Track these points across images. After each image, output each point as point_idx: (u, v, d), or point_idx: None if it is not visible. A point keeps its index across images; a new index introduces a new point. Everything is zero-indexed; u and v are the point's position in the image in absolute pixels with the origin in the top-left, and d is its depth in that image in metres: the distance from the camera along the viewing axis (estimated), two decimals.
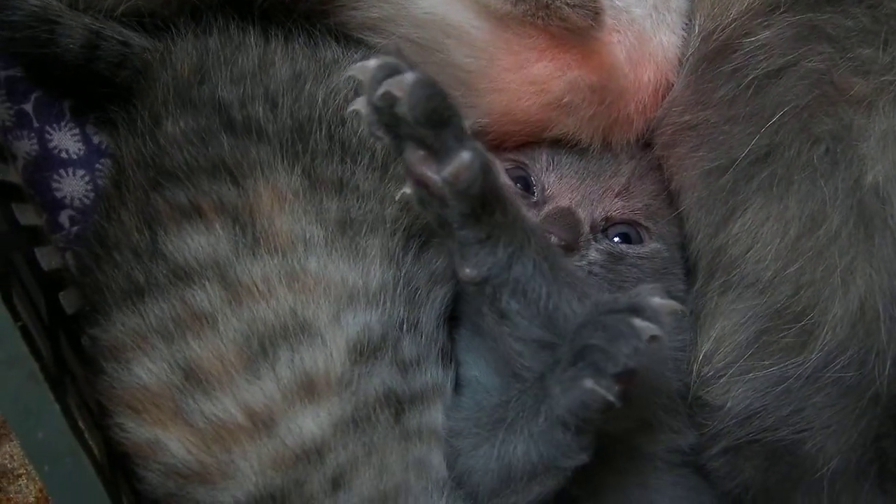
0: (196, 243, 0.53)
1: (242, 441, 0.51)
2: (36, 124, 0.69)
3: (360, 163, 0.57)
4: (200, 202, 0.54)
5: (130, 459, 0.53)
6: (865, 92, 0.54)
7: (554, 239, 0.58)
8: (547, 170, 0.62)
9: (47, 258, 0.65)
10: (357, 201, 0.56)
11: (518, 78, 0.59)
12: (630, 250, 0.61)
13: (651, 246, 0.62)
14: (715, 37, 0.59)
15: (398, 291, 0.55)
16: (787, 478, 0.56)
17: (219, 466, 0.50)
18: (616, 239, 0.62)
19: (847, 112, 0.55)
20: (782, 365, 0.55)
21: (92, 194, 0.69)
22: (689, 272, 0.63)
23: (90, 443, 0.50)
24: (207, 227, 0.54)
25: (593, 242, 0.61)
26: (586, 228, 0.60)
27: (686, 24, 0.62)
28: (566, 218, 0.60)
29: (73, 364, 0.58)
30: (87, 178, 0.69)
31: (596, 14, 0.55)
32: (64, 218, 0.69)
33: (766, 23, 0.57)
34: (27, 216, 0.67)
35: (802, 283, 0.55)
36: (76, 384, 0.56)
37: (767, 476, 0.57)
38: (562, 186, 0.62)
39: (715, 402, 0.58)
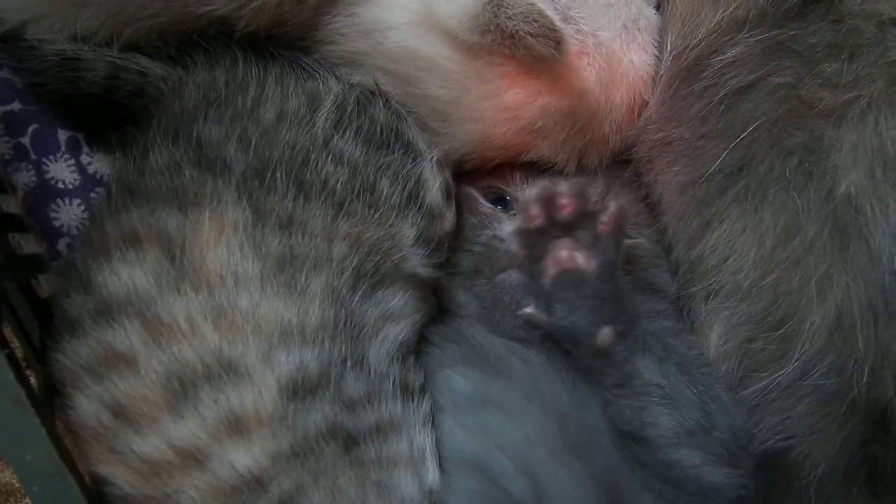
0: (122, 276, 0.53)
1: (177, 476, 0.51)
2: (33, 156, 0.70)
3: (315, 200, 0.56)
4: (140, 230, 0.54)
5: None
6: (834, 105, 0.55)
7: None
8: (521, 187, 0.63)
9: (48, 285, 0.67)
10: (303, 238, 0.55)
11: (491, 106, 0.61)
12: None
13: (637, 240, 0.62)
14: (685, 55, 0.60)
15: (340, 329, 0.54)
16: (776, 485, 0.57)
17: (162, 499, 0.51)
18: None
19: (818, 124, 0.56)
20: (766, 373, 0.56)
21: (87, 223, 0.71)
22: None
23: (77, 464, 0.51)
24: (137, 258, 0.53)
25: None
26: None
27: (657, 42, 0.63)
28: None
29: None
30: (82, 207, 0.70)
31: (557, 43, 0.56)
32: (62, 245, 0.70)
33: (733, 40, 0.58)
34: (28, 245, 0.69)
35: (780, 292, 0.56)
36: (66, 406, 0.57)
37: (760, 484, 0.57)
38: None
39: None
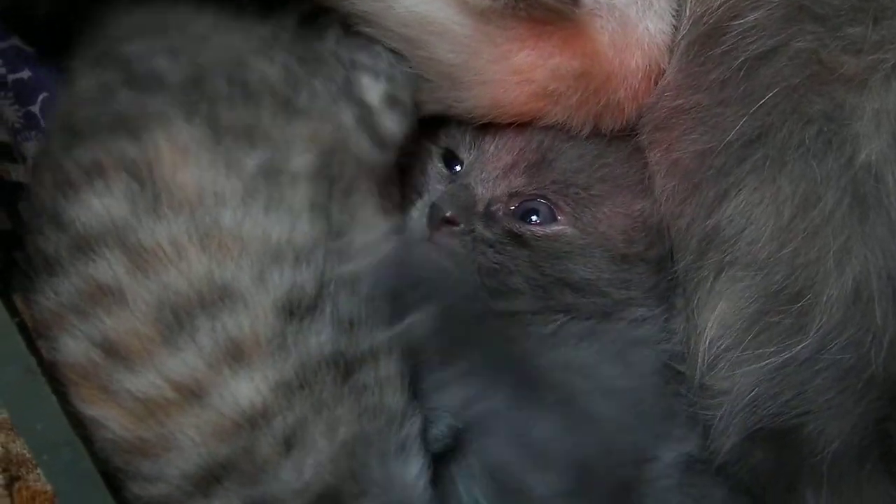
0: (94, 208, 0.50)
1: (175, 414, 0.49)
2: (43, 125, 0.70)
3: (264, 105, 0.54)
4: (102, 160, 0.51)
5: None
6: (856, 70, 0.54)
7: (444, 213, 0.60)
8: (469, 150, 0.64)
9: None
10: (268, 147, 0.53)
11: (502, 69, 0.60)
12: (526, 229, 0.60)
13: (557, 228, 0.61)
14: (704, 20, 0.59)
15: (328, 244, 0.53)
16: (790, 461, 0.56)
17: (158, 440, 0.49)
18: (523, 217, 0.61)
19: (839, 91, 0.54)
20: (782, 347, 0.55)
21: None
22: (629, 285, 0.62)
23: (89, 433, 0.51)
24: (106, 187, 0.50)
25: (486, 220, 0.61)
26: (480, 207, 0.61)
27: (675, 10, 0.61)
28: (458, 195, 0.60)
29: None
30: None
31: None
32: None
33: (754, 4, 0.56)
34: None
35: (797, 264, 0.54)
36: None
37: (774, 460, 0.57)
38: (475, 165, 0.63)
39: (720, 388, 0.57)
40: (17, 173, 0.68)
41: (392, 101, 0.61)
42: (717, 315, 0.57)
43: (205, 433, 0.49)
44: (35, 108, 0.70)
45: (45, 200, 0.53)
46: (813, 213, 0.54)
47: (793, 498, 0.56)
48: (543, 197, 0.61)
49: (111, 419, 0.49)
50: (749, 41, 0.57)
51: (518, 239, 0.60)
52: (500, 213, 0.61)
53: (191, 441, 0.48)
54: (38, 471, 0.69)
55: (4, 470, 0.67)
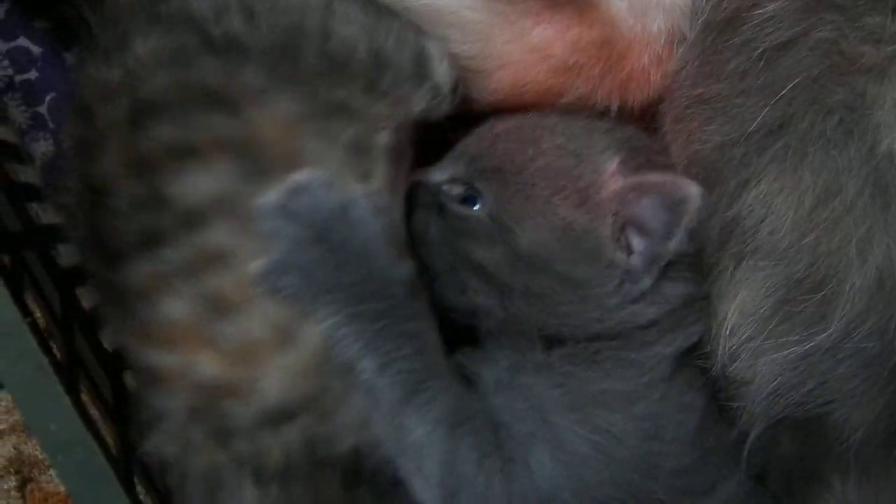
0: (201, 185, 0.51)
1: (269, 356, 0.51)
2: (51, 125, 0.70)
3: (356, 83, 0.55)
4: (194, 140, 0.51)
5: (145, 399, 0.54)
6: (876, 60, 0.53)
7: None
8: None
9: (68, 255, 0.67)
10: (359, 123, 0.54)
11: (519, 48, 0.58)
12: (455, 209, 0.59)
13: (476, 211, 0.58)
14: (724, 6, 0.58)
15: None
16: (815, 449, 0.56)
17: (248, 381, 0.51)
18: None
19: (859, 81, 0.54)
20: (804, 337, 0.54)
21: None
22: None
23: (102, 433, 0.50)
24: (210, 164, 0.51)
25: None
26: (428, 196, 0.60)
27: None
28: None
29: (88, 357, 0.59)
30: None
31: None
32: None
33: None
34: (47, 215, 0.68)
35: (819, 253, 0.54)
36: (90, 377, 0.57)
37: (799, 449, 0.56)
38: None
39: (743, 377, 0.57)
40: (26, 174, 0.68)
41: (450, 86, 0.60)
42: (738, 304, 0.56)
43: (291, 372, 0.51)
44: (43, 109, 0.70)
45: (114, 181, 0.52)
46: (834, 203, 0.54)
47: (819, 486, 0.56)
48: (471, 184, 0.59)
49: (205, 364, 0.51)
50: (768, 31, 0.56)
51: (453, 220, 0.59)
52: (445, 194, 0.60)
53: (278, 380, 0.51)
54: (51, 472, 0.68)
55: (17, 472, 0.67)
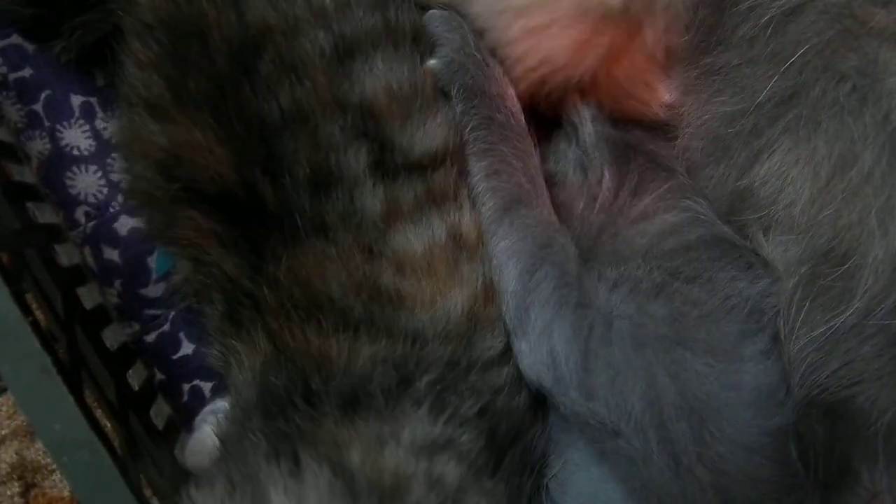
0: (428, 137, 0.57)
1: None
2: (47, 123, 0.68)
3: None
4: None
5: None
6: (888, 22, 0.51)
7: None
8: None
9: (67, 255, 0.65)
10: None
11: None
12: None
13: None
14: None
15: None
16: (843, 435, 0.54)
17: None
18: None
19: (871, 45, 0.52)
20: (830, 315, 0.52)
21: (105, 189, 0.69)
22: None
23: (108, 433, 0.49)
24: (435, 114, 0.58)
25: None
26: None
27: None
28: None
29: (91, 357, 0.58)
30: (99, 174, 0.69)
31: None
32: (80, 214, 0.68)
33: None
34: (45, 214, 0.67)
35: (840, 225, 0.52)
36: (94, 377, 0.56)
37: (828, 435, 0.54)
38: None
39: None
40: (22, 173, 0.67)
41: None
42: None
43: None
44: (38, 107, 0.68)
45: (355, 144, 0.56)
46: (851, 173, 0.52)
47: (848, 477, 0.53)
48: None
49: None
50: None
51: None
52: None
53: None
54: (55, 477, 0.67)
55: (20, 478, 0.66)
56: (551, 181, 0.63)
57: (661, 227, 0.58)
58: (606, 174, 0.61)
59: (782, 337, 0.54)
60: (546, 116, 0.64)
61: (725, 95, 0.57)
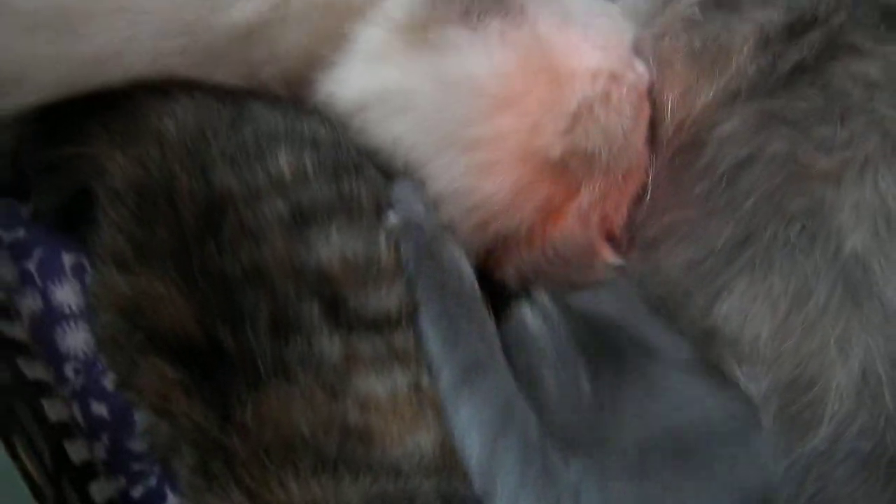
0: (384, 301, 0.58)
1: None
2: (39, 283, 0.70)
3: None
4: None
5: None
6: (831, 167, 0.56)
7: None
8: None
9: (55, 411, 0.66)
10: None
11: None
12: None
13: None
14: (686, 126, 0.62)
15: None
16: None
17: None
18: None
19: (817, 187, 0.57)
20: (801, 442, 0.54)
21: (94, 344, 0.70)
22: None
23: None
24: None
25: None
26: None
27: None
28: None
29: None
30: (88, 330, 0.70)
31: None
32: (68, 370, 0.69)
33: (729, 112, 0.60)
34: (36, 371, 0.67)
35: (802, 355, 0.55)
36: None
37: None
38: None
39: None
40: (13, 331, 0.68)
41: None
42: None
43: None
44: (31, 266, 0.70)
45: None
46: (808, 307, 0.55)
47: None
48: None
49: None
50: (727, 150, 0.59)
51: None
52: None
53: None
54: None
55: None
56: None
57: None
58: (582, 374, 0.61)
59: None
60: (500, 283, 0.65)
61: (682, 247, 0.61)
